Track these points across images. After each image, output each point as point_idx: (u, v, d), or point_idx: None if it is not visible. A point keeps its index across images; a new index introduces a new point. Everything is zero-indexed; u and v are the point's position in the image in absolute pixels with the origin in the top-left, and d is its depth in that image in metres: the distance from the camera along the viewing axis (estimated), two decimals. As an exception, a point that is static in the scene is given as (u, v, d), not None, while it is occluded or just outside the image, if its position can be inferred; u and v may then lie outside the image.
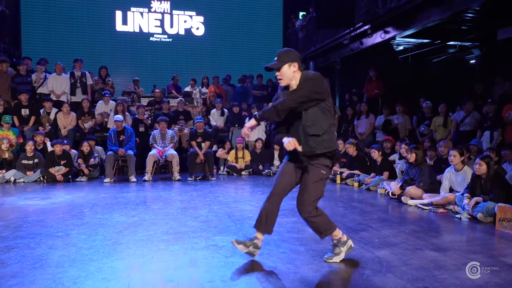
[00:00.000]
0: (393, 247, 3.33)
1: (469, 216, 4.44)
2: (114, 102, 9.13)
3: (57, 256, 3.05)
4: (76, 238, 3.57)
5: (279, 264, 2.92)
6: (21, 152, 7.60)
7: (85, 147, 7.62)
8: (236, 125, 9.64)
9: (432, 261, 2.99)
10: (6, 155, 7.38)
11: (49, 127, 8.43)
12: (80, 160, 7.59)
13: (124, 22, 13.78)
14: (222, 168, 8.87)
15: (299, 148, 2.74)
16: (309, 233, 3.76)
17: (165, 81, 11.99)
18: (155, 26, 14.09)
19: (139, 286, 2.53)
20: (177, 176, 7.63)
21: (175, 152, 7.87)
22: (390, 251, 3.23)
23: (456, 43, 9.27)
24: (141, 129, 8.65)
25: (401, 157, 6.81)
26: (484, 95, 7.77)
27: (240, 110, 9.88)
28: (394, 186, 5.79)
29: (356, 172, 7.29)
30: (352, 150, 7.58)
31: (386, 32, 8.53)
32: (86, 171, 7.53)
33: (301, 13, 13.95)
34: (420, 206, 5.12)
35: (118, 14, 13.70)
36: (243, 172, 8.57)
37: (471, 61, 10.12)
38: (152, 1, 13.98)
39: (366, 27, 8.96)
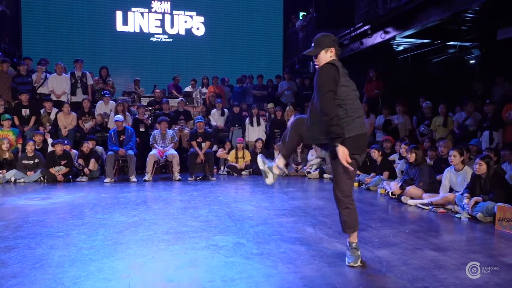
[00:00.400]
0: (393, 247, 3.33)
1: (468, 216, 4.44)
2: (114, 102, 9.15)
3: (58, 256, 3.06)
4: (77, 238, 3.58)
5: (279, 264, 2.92)
6: (22, 153, 7.61)
7: (86, 147, 7.63)
8: (236, 125, 9.65)
9: (432, 260, 3.00)
10: (7, 155, 7.39)
11: (50, 127, 8.44)
12: (80, 160, 7.59)
13: (125, 22, 13.79)
14: (222, 168, 8.88)
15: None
16: (309, 233, 3.78)
17: (166, 81, 12.00)
18: (156, 26, 14.10)
19: (140, 286, 2.54)
20: (177, 176, 7.64)
21: (176, 152, 7.87)
22: (390, 250, 3.23)
23: (456, 43, 9.28)
24: (142, 129, 8.66)
25: (401, 157, 6.82)
26: (484, 95, 7.78)
27: (240, 110, 9.88)
28: (394, 186, 5.79)
29: (356, 172, 7.29)
30: (352, 150, 7.56)
31: (386, 32, 8.54)
32: (86, 171, 7.53)
33: (301, 13, 13.96)
34: (420, 206, 5.13)
35: (119, 14, 13.71)
36: (243, 172, 8.58)
37: (471, 61, 10.13)
38: (153, 2, 13.99)
39: (366, 27, 8.97)
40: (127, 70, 13.11)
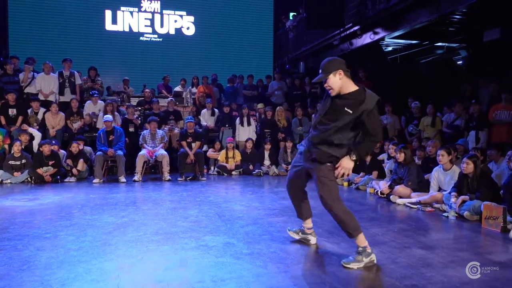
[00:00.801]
0: (382, 246, 3.36)
1: (456, 215, 4.50)
2: (103, 102, 9.07)
3: (45, 258, 3.02)
4: (65, 239, 3.54)
5: (269, 263, 2.93)
6: (8, 153, 7.50)
7: (74, 148, 7.55)
8: (227, 125, 9.64)
9: (420, 259, 3.03)
10: (-7, 156, 7.29)
11: (37, 127, 8.34)
12: (69, 161, 7.51)
13: (114, 21, 13.68)
14: (212, 168, 8.86)
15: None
16: (299, 232, 3.78)
17: (155, 81, 11.93)
18: (145, 25, 14.02)
19: (129, 287, 2.52)
20: (167, 176, 7.60)
21: (165, 152, 7.84)
22: (379, 249, 3.26)
23: (443, 44, 9.41)
24: (131, 129, 8.60)
25: (389, 157, 6.88)
26: (471, 96, 7.89)
27: (230, 110, 9.88)
28: (383, 185, 5.85)
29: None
30: (341, 150, 7.61)
31: (375, 33, 8.62)
32: (75, 171, 7.45)
33: (291, 14, 14.01)
34: (409, 205, 5.18)
35: (108, 13, 13.60)
36: (233, 172, 8.57)
37: (458, 62, 10.27)
38: (142, 1, 13.91)
39: (356, 28, 9.04)
40: (116, 69, 13.02)
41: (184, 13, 14.38)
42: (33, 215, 4.53)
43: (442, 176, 5.22)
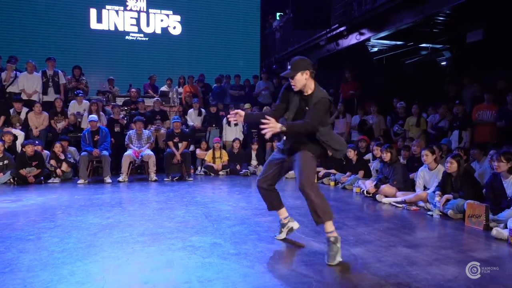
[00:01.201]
0: (368, 245, 3.40)
1: (440, 213, 4.57)
2: (88, 101, 8.96)
3: (28, 260, 2.97)
4: (48, 241, 3.49)
5: (256, 263, 2.93)
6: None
7: (58, 148, 7.42)
8: (214, 125, 9.61)
9: (405, 257, 3.07)
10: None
11: (20, 127, 8.18)
12: (52, 161, 7.39)
13: (99, 20, 13.50)
14: (199, 168, 8.83)
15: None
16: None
17: (141, 81, 11.82)
18: (131, 24, 13.86)
19: (114, 288, 2.49)
20: (153, 176, 7.55)
21: (152, 153, 7.78)
22: (365, 248, 3.29)
23: (428, 45, 9.53)
24: (117, 129, 8.51)
25: (374, 157, 6.95)
26: (455, 96, 8.02)
27: (217, 110, 9.85)
28: (369, 185, 5.90)
29: (332, 171, 7.39)
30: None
31: (361, 34, 8.69)
32: (59, 172, 7.34)
33: (278, 14, 14.03)
34: (394, 204, 5.24)
35: (93, 11, 13.41)
36: (220, 172, 8.55)
37: (442, 63, 10.42)
38: (128, -1, 13.77)
39: (342, 28, 9.10)
40: (101, 69, 12.84)
41: (170, 12, 14.28)
42: (16, 217, 4.45)
43: (428, 176, 5.29)
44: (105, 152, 7.44)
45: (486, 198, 4.45)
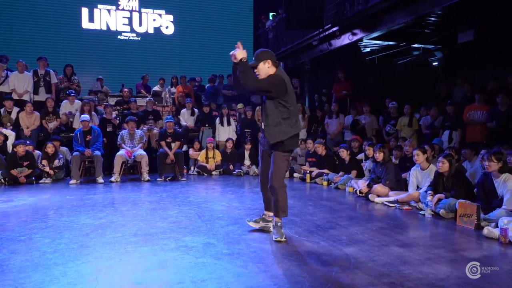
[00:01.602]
0: (360, 244, 3.41)
1: (432, 213, 4.60)
2: (80, 101, 8.89)
3: (20, 261, 2.94)
4: (40, 242, 3.46)
5: (249, 263, 2.93)
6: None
7: (50, 148, 7.36)
8: (207, 125, 9.58)
9: (397, 257, 3.09)
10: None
11: (11, 127, 8.10)
12: (44, 162, 7.32)
13: (91, 19, 13.42)
14: (192, 168, 8.80)
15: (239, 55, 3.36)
16: (279, 232, 3.80)
17: (134, 81, 11.77)
18: (123, 24, 13.81)
19: (107, 289, 2.48)
20: (146, 176, 7.51)
21: (144, 153, 7.74)
22: (358, 248, 3.31)
23: (420, 45, 9.60)
24: (109, 129, 8.46)
25: (367, 157, 6.98)
26: (446, 96, 8.09)
27: (210, 110, 9.83)
28: (361, 185, 5.93)
29: (325, 171, 7.41)
30: (321, 150, 7.70)
31: (354, 34, 8.73)
32: (51, 172, 7.28)
33: (271, 14, 14.04)
34: (386, 203, 5.27)
35: (84, 11, 13.33)
36: (213, 172, 8.54)
37: (434, 63, 10.50)
38: (120, -1, 13.70)
39: (335, 28, 9.13)
40: (93, 68, 12.76)
41: (163, 11, 14.24)
42: (7, 217, 4.41)
43: (420, 175, 5.32)
44: (97, 152, 7.39)
45: (477, 198, 4.49)
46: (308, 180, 7.56)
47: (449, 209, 4.44)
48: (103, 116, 8.75)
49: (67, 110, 8.74)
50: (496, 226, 3.72)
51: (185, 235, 3.66)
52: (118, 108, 9.48)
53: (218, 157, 8.72)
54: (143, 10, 13.98)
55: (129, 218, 4.38)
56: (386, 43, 9.48)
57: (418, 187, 5.32)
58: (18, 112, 8.26)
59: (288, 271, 2.78)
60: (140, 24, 13.98)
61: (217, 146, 9.18)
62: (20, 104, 8.48)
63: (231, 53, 3.35)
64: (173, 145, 7.97)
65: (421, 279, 2.63)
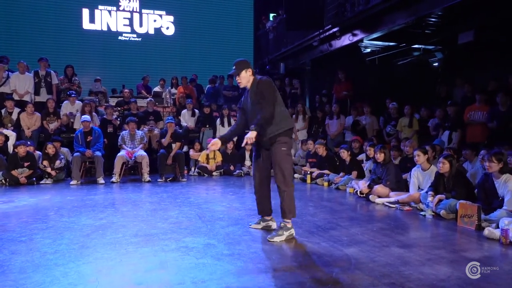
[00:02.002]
0: (361, 245, 3.41)
1: (433, 213, 4.60)
2: (81, 102, 8.90)
3: (20, 262, 2.94)
4: (41, 242, 3.46)
5: (250, 264, 2.93)
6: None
7: (50, 149, 7.37)
8: (207, 126, 9.59)
9: (398, 257, 3.09)
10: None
11: (12, 127, 8.11)
12: (45, 162, 7.33)
13: (92, 20, 13.43)
14: (193, 169, 8.81)
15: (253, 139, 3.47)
16: (280, 232, 3.80)
17: (134, 81, 11.77)
18: (124, 25, 13.81)
19: (107, 290, 2.48)
20: (146, 177, 7.52)
21: (145, 153, 7.75)
22: (358, 248, 3.30)
23: (420, 46, 9.59)
24: (110, 129, 8.47)
25: (368, 158, 6.98)
26: (446, 97, 8.08)
27: (210, 110, 9.83)
28: (362, 185, 5.93)
29: (326, 171, 7.41)
30: (321, 150, 7.70)
31: (354, 35, 8.73)
32: (53, 173, 7.28)
33: (271, 15, 14.04)
34: (387, 204, 5.27)
35: (85, 12, 13.34)
36: (214, 173, 8.54)
37: (434, 64, 10.50)
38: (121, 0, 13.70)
39: (335, 29, 9.13)
40: (94, 69, 12.76)
41: (163, 12, 14.25)
42: (8, 218, 4.41)
43: (421, 176, 5.31)
44: (98, 153, 7.40)
45: (478, 198, 4.49)
46: (308, 181, 7.56)
47: (450, 209, 4.44)
48: (104, 117, 8.76)
49: (68, 111, 8.75)
50: (497, 227, 3.71)
51: (186, 236, 3.66)
52: (119, 109, 9.49)
53: (219, 157, 8.73)
54: (143, 11, 13.99)
55: (129, 219, 4.38)
56: (386, 43, 9.48)
57: (419, 188, 5.31)
58: (19, 113, 8.28)
59: (289, 272, 2.78)
60: (141, 25, 13.99)
61: (218, 147, 9.17)
62: (21, 104, 8.50)
63: (246, 143, 3.55)
64: (173, 146, 7.97)
65: (421, 280, 2.63)
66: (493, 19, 7.07)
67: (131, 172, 8.52)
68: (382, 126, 8.58)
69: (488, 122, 6.48)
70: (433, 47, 9.58)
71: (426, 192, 4.87)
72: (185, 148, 8.74)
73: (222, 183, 7.51)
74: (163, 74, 11.93)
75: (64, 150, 8.00)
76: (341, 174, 7.07)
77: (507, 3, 6.28)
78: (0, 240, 3.52)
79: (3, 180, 7.02)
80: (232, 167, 8.65)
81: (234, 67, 3.69)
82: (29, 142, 7.47)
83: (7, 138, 7.76)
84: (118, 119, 9.06)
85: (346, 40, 9.03)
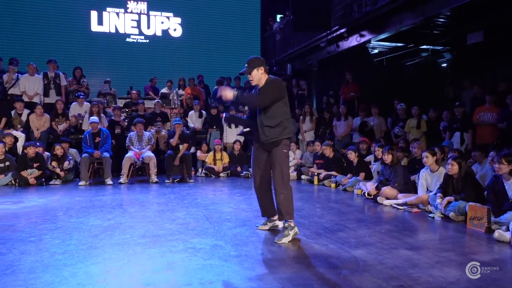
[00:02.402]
0: (369, 247, 3.39)
1: (441, 215, 4.56)
2: (89, 103, 8.98)
3: (30, 262, 2.97)
4: (50, 242, 3.49)
5: (257, 265, 2.93)
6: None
7: (58, 150, 7.43)
8: (214, 127, 9.61)
9: (406, 259, 3.06)
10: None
11: (21, 128, 8.20)
12: (54, 163, 7.39)
13: (100, 22, 13.54)
14: (200, 170, 8.83)
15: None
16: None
17: (142, 83, 11.85)
18: (132, 27, 13.90)
19: (116, 290, 2.49)
20: (154, 178, 7.55)
21: (152, 154, 7.78)
22: (366, 250, 3.28)
23: (428, 47, 9.53)
24: (117, 130, 8.52)
25: (376, 159, 6.94)
26: (455, 98, 8.02)
27: (217, 112, 9.86)
28: (370, 187, 5.89)
29: (333, 173, 7.39)
30: (329, 152, 7.67)
31: (362, 36, 8.70)
32: (61, 174, 7.34)
33: (278, 16, 14.04)
34: (395, 206, 5.23)
35: (94, 14, 13.45)
36: (221, 174, 8.55)
37: (442, 65, 10.42)
38: (129, 2, 13.79)
39: (342, 30, 9.11)
40: (102, 71, 12.86)
41: (171, 14, 14.31)
42: (17, 218, 4.45)
43: (429, 178, 5.27)
44: (106, 154, 7.45)
45: (487, 200, 4.44)
46: (316, 182, 7.54)
47: (459, 212, 4.39)
48: (112, 118, 8.82)
49: (76, 112, 8.82)
50: (507, 229, 3.66)
51: (193, 237, 3.67)
52: (127, 110, 9.55)
53: (226, 159, 8.74)
54: (151, 13, 14.07)
55: (137, 220, 4.40)
56: (394, 44, 9.43)
57: (427, 190, 5.27)
58: (28, 114, 8.37)
59: (296, 274, 2.77)
60: (148, 27, 14.07)
61: (225, 148, 9.20)
62: (31, 106, 8.59)
63: (219, 96, 3.67)
64: (181, 147, 8.00)
65: (430, 283, 2.60)
66: (502, 19, 7.01)
67: (139, 173, 8.56)
68: (390, 127, 8.52)
69: (498, 123, 6.41)
70: (441, 47, 9.51)
71: (435, 194, 4.83)
72: (192, 149, 8.76)
73: (229, 184, 7.52)
74: (170, 76, 11.99)
75: (73, 151, 8.06)
76: (349, 175, 7.04)
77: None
78: (10, 240, 3.55)
79: (12, 181, 7.10)
80: (239, 168, 8.66)
81: (246, 65, 3.69)
82: (38, 143, 7.54)
83: (16, 139, 7.85)
84: (126, 120, 9.11)
85: (353, 41, 9.00)
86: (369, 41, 8.81)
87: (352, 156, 7.05)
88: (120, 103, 10.07)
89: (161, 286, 2.55)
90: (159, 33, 14.18)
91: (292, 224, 3.61)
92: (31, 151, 7.12)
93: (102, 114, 8.64)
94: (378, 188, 5.71)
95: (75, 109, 8.88)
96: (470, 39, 7.52)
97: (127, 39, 13.84)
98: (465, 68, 9.02)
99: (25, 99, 8.79)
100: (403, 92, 9.55)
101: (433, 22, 7.64)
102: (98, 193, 6.30)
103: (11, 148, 7.63)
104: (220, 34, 14.59)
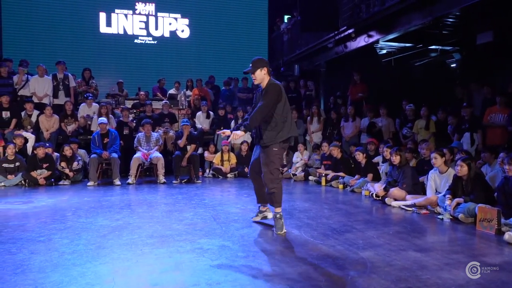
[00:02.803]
0: (377, 248, 3.37)
1: (450, 217, 4.52)
2: (98, 104, 9.04)
3: (39, 261, 3.00)
4: (59, 242, 3.52)
5: (264, 266, 2.93)
6: (2, 156, 7.45)
7: (67, 151, 7.49)
8: (222, 128, 9.60)
9: (415, 261, 3.04)
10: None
11: (31, 129, 8.29)
12: (63, 164, 7.45)
13: (108, 24, 13.63)
14: (207, 171, 8.85)
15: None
16: (294, 235, 3.80)
17: (150, 84, 11.90)
18: (140, 28, 13.98)
19: (124, 290, 2.51)
20: (162, 179, 7.58)
21: (160, 155, 7.81)
22: (374, 252, 3.27)
23: (437, 47, 9.46)
24: (126, 131, 8.57)
25: (384, 160, 6.90)
26: (464, 98, 7.94)
27: (225, 113, 9.87)
28: (378, 188, 5.86)
29: (341, 174, 7.36)
30: (336, 153, 7.65)
31: (370, 36, 8.66)
32: (70, 174, 7.41)
33: (286, 17, 14.03)
34: (404, 207, 5.19)
35: (102, 16, 13.55)
36: (228, 175, 8.56)
37: (452, 65, 10.34)
38: (137, 3, 13.86)
39: (350, 30, 9.07)
40: (110, 72, 12.95)
41: (178, 15, 14.37)
42: (27, 218, 4.50)
43: (438, 179, 5.23)
44: (115, 155, 7.50)
45: (497, 202, 4.39)
46: (323, 183, 7.52)
47: (469, 213, 4.35)
48: (120, 119, 8.88)
49: (85, 113, 8.90)
50: (518, 231, 3.62)
51: (201, 238, 3.68)
52: (135, 111, 9.61)
53: (233, 159, 8.74)
54: (159, 14, 14.14)
55: (145, 220, 4.42)
56: (402, 45, 9.38)
57: (436, 191, 5.22)
58: (38, 115, 8.46)
59: (304, 275, 2.76)
60: (156, 28, 14.14)
61: (232, 149, 9.21)
62: (40, 107, 8.68)
63: (230, 140, 3.84)
64: (188, 147, 8.02)
65: (439, 285, 2.58)
66: (512, 19, 6.93)
67: (147, 174, 8.60)
68: (398, 128, 8.47)
69: (508, 125, 6.33)
70: (450, 48, 9.44)
71: (444, 195, 4.79)
72: (200, 150, 8.78)
73: (237, 185, 7.52)
74: (178, 77, 12.02)
75: (81, 151, 8.13)
76: (356, 176, 7.01)
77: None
78: (20, 240, 3.59)
79: (22, 181, 7.17)
80: (246, 169, 8.63)
81: (250, 65, 3.89)
82: (47, 144, 7.62)
83: (26, 140, 7.93)
84: (134, 121, 9.17)
85: (361, 41, 8.96)
86: (377, 42, 8.76)
87: (360, 157, 7.02)
88: (128, 104, 10.13)
89: (168, 286, 2.56)
90: (167, 34, 14.25)
91: (280, 211, 3.89)
92: (40, 151, 7.19)
93: (110, 115, 8.71)
94: (386, 189, 5.67)
95: (84, 110, 8.96)
96: (480, 39, 7.44)
97: (135, 41, 13.92)
98: (474, 69, 8.94)
99: (35, 100, 8.89)
100: (411, 92, 9.48)
101: (442, 22, 7.58)
102: (107, 194, 6.34)
103: (21, 148, 7.71)
104: (228, 35, 14.62)
